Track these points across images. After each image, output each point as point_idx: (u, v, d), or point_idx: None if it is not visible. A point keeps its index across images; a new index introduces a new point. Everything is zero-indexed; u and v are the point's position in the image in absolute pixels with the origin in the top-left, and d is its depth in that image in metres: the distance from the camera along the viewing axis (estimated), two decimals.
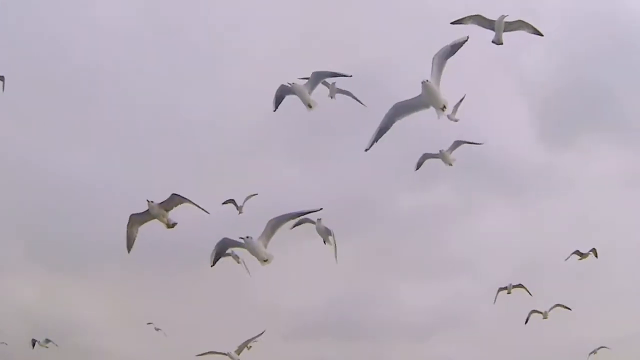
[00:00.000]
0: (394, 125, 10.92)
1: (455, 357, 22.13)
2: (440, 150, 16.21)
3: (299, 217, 12.49)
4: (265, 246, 12.14)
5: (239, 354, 19.06)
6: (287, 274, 23.75)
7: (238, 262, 18.49)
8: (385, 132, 10.91)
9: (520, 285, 20.00)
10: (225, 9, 26.63)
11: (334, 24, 26.20)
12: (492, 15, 15.33)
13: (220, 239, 12.48)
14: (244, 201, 20.39)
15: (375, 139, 10.86)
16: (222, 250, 12.77)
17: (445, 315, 23.40)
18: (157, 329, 22.23)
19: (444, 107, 10.89)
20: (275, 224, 11.94)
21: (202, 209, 12.91)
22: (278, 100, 14.26)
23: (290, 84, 13.78)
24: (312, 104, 13.79)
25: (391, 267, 26.02)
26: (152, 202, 12.94)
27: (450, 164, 16.45)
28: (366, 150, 10.91)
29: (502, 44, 15.47)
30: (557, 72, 25.65)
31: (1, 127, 24.09)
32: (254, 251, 12.18)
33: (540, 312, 20.15)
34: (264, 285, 25.30)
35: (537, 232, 24.44)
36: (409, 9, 25.45)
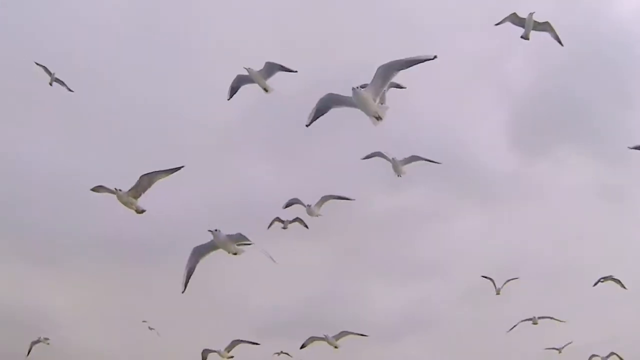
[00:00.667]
0: (330, 110, 11.13)
1: (424, 359, 22.27)
2: (393, 158, 15.79)
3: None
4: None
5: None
6: (259, 272, 23.80)
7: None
8: (321, 114, 11.13)
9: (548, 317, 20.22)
10: (206, 5, 26.64)
11: (316, 25, 26.31)
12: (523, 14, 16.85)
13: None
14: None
15: (313, 119, 11.11)
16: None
17: (415, 317, 23.62)
18: (150, 329, 22.10)
19: (379, 117, 10.92)
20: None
21: (174, 170, 12.76)
22: (233, 90, 14.87)
23: (246, 69, 14.69)
24: (268, 89, 14.50)
25: (363, 268, 26.22)
26: (119, 190, 12.72)
27: (399, 175, 16.13)
28: (307, 125, 11.13)
29: (528, 39, 17.03)
30: (534, 82, 26.05)
31: None
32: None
33: (529, 319, 20.34)
34: (236, 281, 25.36)
35: (507, 239, 24.74)
36: (390, 11, 25.67)
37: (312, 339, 18.26)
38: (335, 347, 19.06)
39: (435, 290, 24.54)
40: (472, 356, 25.14)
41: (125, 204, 13.03)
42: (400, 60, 10.48)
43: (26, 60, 24.13)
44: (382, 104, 12.26)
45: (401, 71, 10.54)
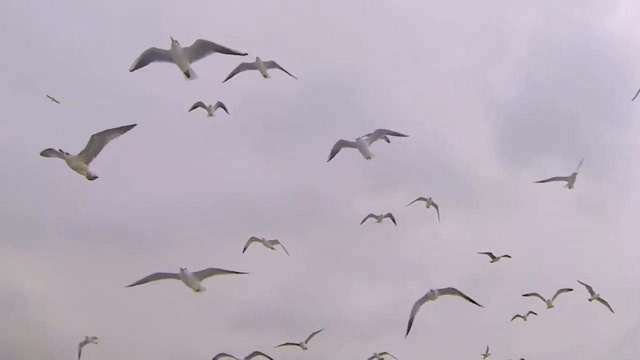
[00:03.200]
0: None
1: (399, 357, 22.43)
2: (357, 139, 14.77)
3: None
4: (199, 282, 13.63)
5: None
6: (238, 266, 23.87)
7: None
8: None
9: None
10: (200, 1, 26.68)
11: (308, 26, 26.44)
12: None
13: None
14: None
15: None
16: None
17: (392, 317, 23.75)
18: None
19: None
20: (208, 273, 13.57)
21: (127, 128, 12.63)
22: (232, 75, 15.84)
23: (257, 58, 15.72)
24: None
25: (343, 267, 26.44)
26: (67, 153, 12.35)
27: (369, 158, 15.20)
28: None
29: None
30: (521, 94, 26.41)
31: None
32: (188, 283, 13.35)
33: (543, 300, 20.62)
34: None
35: (487, 244, 24.97)
36: (382, 17, 25.87)
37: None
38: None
39: (414, 292, 24.68)
40: (445, 357, 25.50)
41: (75, 168, 12.67)
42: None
43: (16, 45, 24.18)
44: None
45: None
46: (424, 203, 20.21)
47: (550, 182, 18.90)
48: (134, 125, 12.73)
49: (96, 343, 21.51)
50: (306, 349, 20.41)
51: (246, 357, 18.85)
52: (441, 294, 15.30)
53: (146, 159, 24.69)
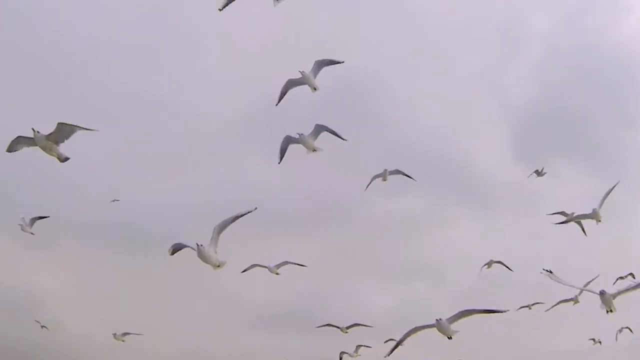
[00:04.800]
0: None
1: (411, 357, 22.52)
2: (299, 134, 14.76)
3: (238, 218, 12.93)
4: (215, 251, 12.79)
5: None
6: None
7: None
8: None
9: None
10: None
11: (323, 28, 26.54)
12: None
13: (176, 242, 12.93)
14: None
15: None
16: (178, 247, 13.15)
17: (407, 317, 23.87)
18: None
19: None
20: (220, 229, 12.74)
21: (89, 129, 12.25)
22: (283, 95, 14.70)
23: (301, 72, 14.45)
24: (316, 87, 14.34)
25: (358, 267, 26.52)
26: (37, 132, 12.11)
27: (314, 150, 15.07)
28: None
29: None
30: (537, 96, 26.46)
31: None
32: (205, 259, 12.75)
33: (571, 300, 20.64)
34: (229, 274, 25.55)
35: (499, 246, 25.06)
36: (398, 21, 25.97)
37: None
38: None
39: (428, 292, 24.92)
40: (457, 355, 25.53)
41: (44, 149, 12.41)
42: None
43: (31, 45, 24.34)
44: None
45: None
46: (379, 179, 19.58)
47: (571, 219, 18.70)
48: (97, 130, 12.43)
49: (123, 341, 21.57)
50: (347, 332, 20.30)
51: (276, 265, 19.26)
52: (451, 322, 13.86)
53: (160, 160, 24.88)
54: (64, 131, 12.07)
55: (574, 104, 25.43)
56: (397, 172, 17.04)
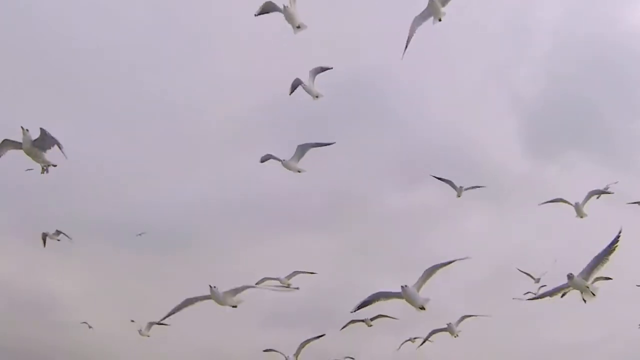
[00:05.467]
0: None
1: (430, 352, 22.59)
2: (282, 160, 15.86)
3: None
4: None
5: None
6: (269, 262, 24.12)
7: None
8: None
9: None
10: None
11: (333, 26, 26.59)
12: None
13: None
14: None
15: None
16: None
17: (423, 312, 23.94)
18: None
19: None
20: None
21: (63, 152, 11.88)
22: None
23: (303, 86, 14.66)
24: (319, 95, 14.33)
25: (372, 262, 26.59)
26: (26, 130, 11.88)
27: (299, 171, 16.12)
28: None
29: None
30: (546, 89, 26.55)
31: None
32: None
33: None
34: (244, 270, 25.66)
35: (515, 238, 25.18)
36: (405, 15, 25.96)
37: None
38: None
39: (443, 287, 24.91)
40: (478, 350, 25.64)
41: (29, 153, 12.16)
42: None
43: (57, 52, 24.46)
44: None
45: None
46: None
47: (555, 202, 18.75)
48: (66, 158, 12.13)
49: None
50: (371, 325, 20.44)
51: (287, 276, 19.79)
52: (419, 287, 13.79)
53: (177, 160, 24.98)
54: (47, 138, 11.86)
55: (584, 96, 25.53)
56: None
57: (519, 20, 27.84)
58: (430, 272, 12.86)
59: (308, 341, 19.91)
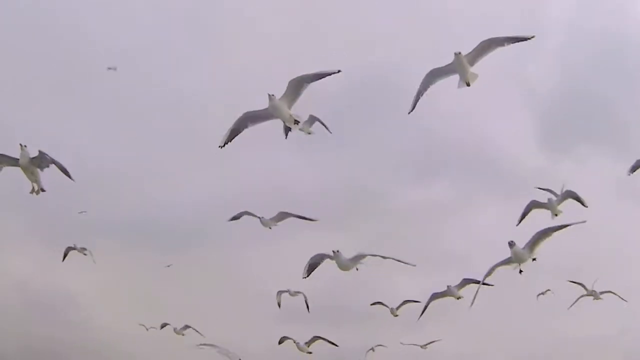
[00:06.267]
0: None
1: (445, 346, 22.70)
2: (261, 217, 16.98)
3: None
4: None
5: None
6: (283, 259, 24.18)
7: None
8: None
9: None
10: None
11: (345, 23, 26.66)
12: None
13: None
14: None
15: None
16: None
17: (437, 308, 23.98)
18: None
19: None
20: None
21: (68, 175, 12.11)
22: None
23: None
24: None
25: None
26: (24, 146, 11.81)
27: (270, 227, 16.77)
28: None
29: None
30: (559, 83, 26.51)
31: (2, 104, 24.37)
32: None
33: (590, 295, 20.76)
34: (258, 268, 25.77)
35: (529, 232, 25.08)
36: (418, 12, 26.06)
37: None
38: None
39: (457, 280, 25.00)
40: (492, 344, 25.68)
41: (25, 170, 12.11)
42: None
43: (69, 51, 24.64)
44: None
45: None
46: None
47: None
48: (70, 177, 12.31)
49: (183, 335, 21.67)
50: (397, 315, 20.52)
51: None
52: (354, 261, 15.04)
53: (189, 158, 25.08)
54: (45, 159, 11.93)
55: (598, 89, 25.51)
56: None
57: (532, 13, 27.84)
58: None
59: (322, 339, 19.97)
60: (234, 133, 12.48)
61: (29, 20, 25.80)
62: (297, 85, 12.11)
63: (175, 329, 22.02)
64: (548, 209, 16.97)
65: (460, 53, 11.90)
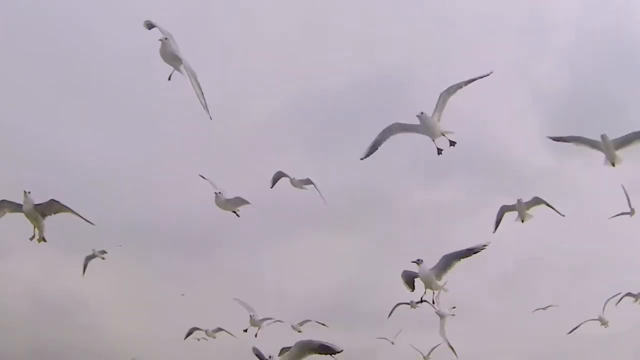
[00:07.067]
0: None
1: (459, 346, 22.68)
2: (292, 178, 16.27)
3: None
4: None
5: None
6: (296, 262, 24.29)
7: None
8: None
9: None
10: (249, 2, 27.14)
11: (352, 26, 26.75)
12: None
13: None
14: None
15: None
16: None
17: (448, 306, 24.04)
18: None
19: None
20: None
21: (85, 219, 12.06)
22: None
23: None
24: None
25: (398, 259, 26.71)
26: (28, 192, 11.63)
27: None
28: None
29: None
30: (568, 83, 26.59)
31: (17, 111, 24.55)
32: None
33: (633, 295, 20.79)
34: (272, 271, 25.87)
35: (539, 232, 25.16)
36: (426, 14, 26.18)
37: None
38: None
39: (468, 281, 25.07)
40: (503, 343, 25.71)
41: (29, 216, 11.82)
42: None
43: (78, 55, 24.81)
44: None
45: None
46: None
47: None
48: (89, 222, 12.25)
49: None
50: (415, 307, 20.54)
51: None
52: None
53: (203, 162, 25.22)
54: (52, 207, 11.89)
55: (606, 89, 25.55)
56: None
57: (541, 13, 27.99)
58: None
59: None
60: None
61: (51, 28, 25.98)
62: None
63: (207, 331, 22.03)
64: (517, 211, 16.97)
65: (423, 113, 11.79)
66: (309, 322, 21.07)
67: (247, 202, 13.93)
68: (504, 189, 25.36)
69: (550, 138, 13.99)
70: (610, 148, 13.80)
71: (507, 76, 25.62)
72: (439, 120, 12.23)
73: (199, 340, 22.27)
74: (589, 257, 24.92)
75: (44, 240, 12.53)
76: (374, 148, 12.58)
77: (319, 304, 24.87)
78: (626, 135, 13.49)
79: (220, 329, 22.25)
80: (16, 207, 11.89)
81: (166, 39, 10.39)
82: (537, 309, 22.72)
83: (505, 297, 23.97)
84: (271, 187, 15.07)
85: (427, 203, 26.24)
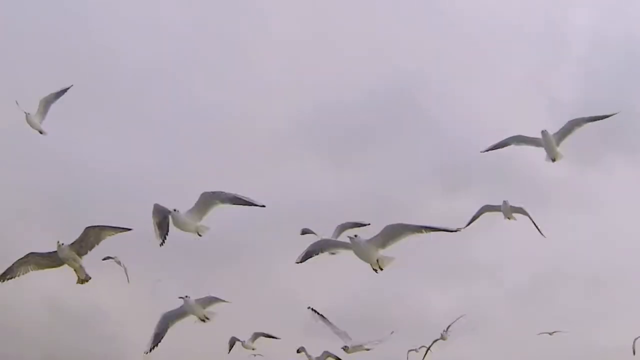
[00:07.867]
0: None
1: (473, 358, 22.64)
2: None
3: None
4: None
5: None
6: (311, 272, 24.29)
7: None
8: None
9: None
10: (263, 7, 27.31)
11: (366, 33, 26.85)
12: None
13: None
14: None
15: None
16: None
17: (466, 320, 23.97)
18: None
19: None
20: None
21: (123, 228, 11.29)
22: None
23: None
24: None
25: (415, 270, 26.67)
26: (62, 244, 10.69)
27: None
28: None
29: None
30: (584, 91, 26.45)
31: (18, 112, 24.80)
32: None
33: None
34: (288, 281, 25.92)
35: (556, 244, 25.01)
36: (441, 21, 26.24)
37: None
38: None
39: (485, 292, 25.09)
40: (521, 355, 25.49)
41: (66, 260, 11.02)
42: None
43: (84, 58, 25.11)
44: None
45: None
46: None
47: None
48: (130, 229, 11.68)
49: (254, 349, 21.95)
50: (446, 339, 20.41)
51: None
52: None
53: (220, 172, 25.38)
54: (87, 237, 10.99)
55: (622, 98, 25.39)
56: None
57: (557, 22, 27.96)
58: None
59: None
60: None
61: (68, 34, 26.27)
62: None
63: (243, 343, 22.10)
64: (500, 212, 17.04)
65: (356, 236, 12.25)
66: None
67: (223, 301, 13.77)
68: (520, 198, 25.29)
69: (484, 151, 14.02)
70: (551, 143, 13.89)
71: (523, 84, 25.63)
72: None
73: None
74: (607, 270, 24.73)
75: (88, 280, 11.77)
76: (307, 257, 13.06)
77: (335, 316, 24.85)
78: (563, 126, 13.59)
79: (259, 334, 22.30)
80: (55, 259, 10.92)
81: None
82: (541, 333, 22.49)
83: (522, 310, 23.86)
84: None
85: (444, 214, 26.13)
